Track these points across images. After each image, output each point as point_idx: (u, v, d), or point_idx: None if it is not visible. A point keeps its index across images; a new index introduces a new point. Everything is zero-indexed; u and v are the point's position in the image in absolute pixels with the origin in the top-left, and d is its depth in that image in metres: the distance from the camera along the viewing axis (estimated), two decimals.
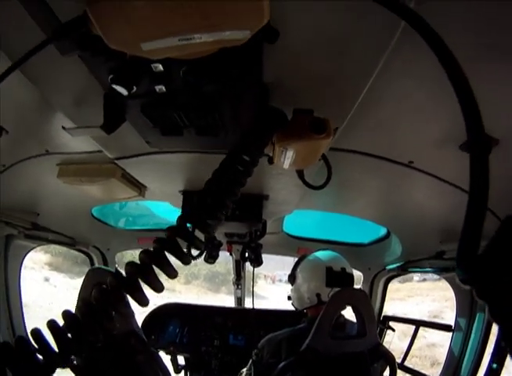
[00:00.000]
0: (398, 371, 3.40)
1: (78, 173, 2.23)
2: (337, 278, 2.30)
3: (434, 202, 2.36)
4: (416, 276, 26.58)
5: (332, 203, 2.81)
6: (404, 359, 3.48)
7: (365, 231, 3.64)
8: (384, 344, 3.61)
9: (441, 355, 10.48)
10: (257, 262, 2.68)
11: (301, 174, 1.50)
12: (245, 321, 3.97)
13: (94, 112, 1.17)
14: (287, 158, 1.20)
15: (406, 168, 1.92)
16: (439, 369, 3.25)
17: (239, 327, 4.03)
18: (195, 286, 29.01)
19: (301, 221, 3.66)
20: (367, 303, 2.16)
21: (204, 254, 2.70)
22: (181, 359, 4.01)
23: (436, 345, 11.36)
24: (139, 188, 2.41)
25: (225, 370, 3.83)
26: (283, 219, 3.21)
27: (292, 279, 2.50)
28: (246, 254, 2.76)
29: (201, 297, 23.23)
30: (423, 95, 1.37)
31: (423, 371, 3.37)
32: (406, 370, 3.42)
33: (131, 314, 2.42)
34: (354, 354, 2.08)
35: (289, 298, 2.58)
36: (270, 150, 1.22)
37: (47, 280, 18.22)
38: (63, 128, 1.30)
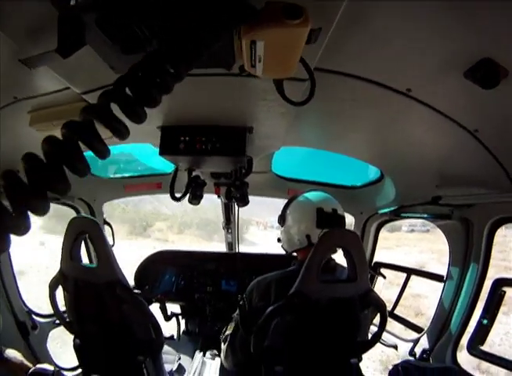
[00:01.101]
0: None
1: (50, 117, 2.10)
2: (328, 219, 2.22)
3: (432, 140, 2.26)
4: (405, 227, 27.19)
5: (323, 139, 2.72)
6: (394, 307, 3.50)
7: (357, 174, 3.56)
8: (375, 290, 3.71)
9: (425, 305, 10.85)
10: (242, 201, 2.60)
11: (279, 85, 1.34)
12: (236, 266, 3.99)
13: (51, 39, 1.07)
14: (258, 59, 1.04)
15: (403, 96, 1.80)
16: (423, 319, 3.31)
17: (230, 272, 4.05)
18: (188, 235, 29.55)
19: (291, 162, 3.58)
20: (359, 246, 2.06)
21: (188, 194, 2.62)
22: (174, 307, 4.07)
23: (421, 296, 11.68)
24: None
25: (218, 316, 3.88)
26: (272, 158, 3.10)
27: (282, 220, 2.42)
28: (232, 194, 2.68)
29: (194, 246, 23.42)
30: (424, 12, 1.24)
31: (406, 317, 3.43)
32: (396, 318, 3.45)
33: (115, 262, 2.41)
34: (344, 299, 2.02)
35: (279, 240, 2.51)
36: (240, 56, 1.08)
37: (42, 244, 18.26)
38: (20, 60, 1.22)
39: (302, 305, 1.94)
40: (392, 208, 3.29)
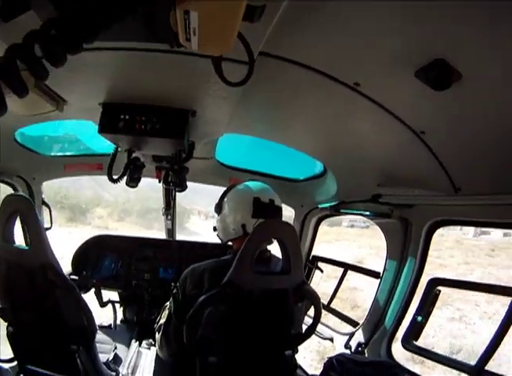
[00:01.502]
0: (323, 312, 3.53)
1: None
2: (265, 209, 2.18)
3: (377, 138, 2.26)
4: (345, 222, 28.09)
5: (267, 128, 2.67)
6: (330, 301, 3.54)
7: (303, 167, 3.53)
8: (312, 284, 3.64)
9: (361, 298, 11.21)
10: (180, 186, 2.55)
11: (217, 64, 1.29)
12: (174, 254, 3.95)
13: None
14: (193, 32, 0.99)
15: (351, 90, 1.76)
16: (359, 312, 3.36)
17: (168, 260, 3.99)
18: (128, 223, 29.01)
19: (236, 151, 3.53)
20: (294, 238, 2.03)
21: (126, 176, 2.53)
22: (113, 295, 3.99)
23: (357, 289, 12.04)
24: (57, 101, 2.13)
25: (155, 304, 3.77)
26: (216, 145, 3.03)
27: (218, 209, 2.36)
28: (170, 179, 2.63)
29: (134, 234, 23.14)
30: (376, 6, 1.21)
31: (344, 313, 3.48)
32: (332, 311, 3.49)
33: (48, 245, 2.26)
34: (277, 291, 2.00)
35: (214, 229, 2.44)
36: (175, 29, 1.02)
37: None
38: None
39: (235, 295, 1.89)
40: (333, 203, 3.30)
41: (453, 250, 20.32)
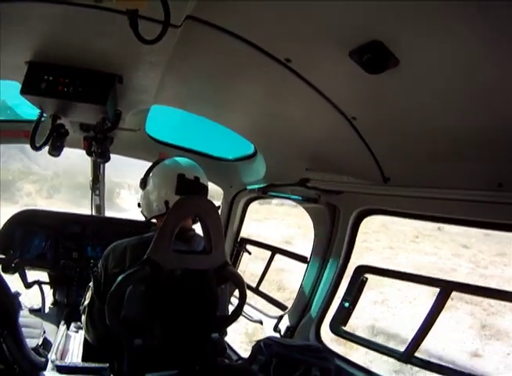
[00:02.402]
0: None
1: None
2: (189, 186, 2.12)
3: (308, 121, 2.23)
4: (276, 200, 28.57)
5: (198, 103, 2.60)
6: (259, 284, 3.56)
7: (234, 148, 3.48)
8: (240, 266, 3.74)
9: (288, 280, 11.39)
10: (103, 156, 2.42)
11: (133, 19, 1.23)
12: (102, 231, 3.75)
13: None
14: None
15: (282, 66, 1.71)
16: (285, 293, 3.38)
17: (97, 237, 3.79)
18: (57, 200, 27.77)
19: (167, 126, 3.44)
20: (215, 216, 1.99)
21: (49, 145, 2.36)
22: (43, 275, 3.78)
23: (284, 270, 12.27)
24: None
25: (84, 284, 3.56)
26: (146, 117, 2.90)
27: (143, 184, 2.27)
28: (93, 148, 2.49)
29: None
30: None
31: (270, 295, 3.52)
32: (260, 294, 3.51)
33: None
34: (199, 272, 1.97)
35: (139, 205, 2.35)
36: None
37: None
38: None
39: (154, 274, 1.84)
40: (261, 186, 3.27)
41: (379, 234, 21.09)
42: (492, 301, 11.04)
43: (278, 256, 3.51)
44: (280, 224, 21.99)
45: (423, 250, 17.78)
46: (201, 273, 1.97)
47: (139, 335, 1.90)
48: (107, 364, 1.96)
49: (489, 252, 17.67)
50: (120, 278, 1.80)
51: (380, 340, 7.36)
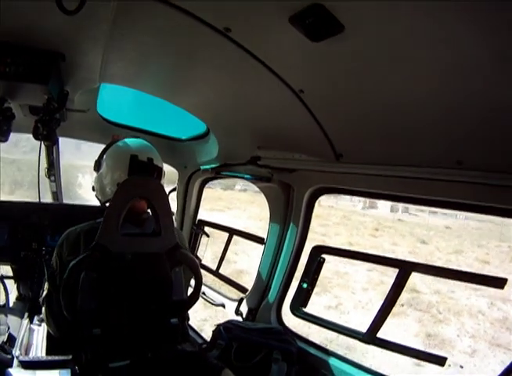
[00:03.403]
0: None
1: None
2: (142, 168, 2.07)
3: (256, 96, 2.20)
4: (238, 185, 28.56)
5: (145, 80, 2.54)
6: (218, 266, 3.57)
7: (188, 127, 3.43)
8: (200, 249, 3.75)
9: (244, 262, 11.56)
10: (49, 139, 2.32)
11: None
12: (60, 219, 3.60)
13: None
14: None
15: (222, 36, 1.65)
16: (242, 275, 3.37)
17: (55, 226, 3.65)
18: (20, 196, 27.04)
19: (120, 106, 3.34)
20: (163, 197, 1.98)
21: None
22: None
23: (244, 252, 12.41)
24: None
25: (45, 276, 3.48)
26: (96, 97, 2.80)
27: (97, 167, 2.21)
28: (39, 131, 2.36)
29: None
30: None
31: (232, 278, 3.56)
32: (220, 277, 3.55)
33: None
34: (151, 255, 1.95)
35: (93, 188, 2.28)
36: None
37: None
38: None
39: (104, 259, 1.81)
40: (215, 165, 3.25)
41: (339, 226, 21.34)
42: (441, 308, 11.41)
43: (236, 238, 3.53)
44: (242, 215, 21.95)
45: (381, 246, 17.89)
46: (153, 257, 1.94)
47: (97, 324, 1.85)
48: (70, 356, 1.95)
49: (447, 249, 18.04)
50: (70, 265, 1.76)
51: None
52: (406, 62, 1.47)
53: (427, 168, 1.88)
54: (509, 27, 1.10)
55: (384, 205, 34.81)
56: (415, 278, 13.51)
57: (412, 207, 36.34)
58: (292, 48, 1.61)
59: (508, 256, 17.84)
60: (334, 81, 1.75)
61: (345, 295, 11.52)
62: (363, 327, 2.38)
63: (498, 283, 2.00)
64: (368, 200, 35.62)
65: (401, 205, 34.33)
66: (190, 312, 2.21)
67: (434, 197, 2.10)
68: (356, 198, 37.53)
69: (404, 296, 11.40)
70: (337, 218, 24.32)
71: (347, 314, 9.68)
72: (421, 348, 8.18)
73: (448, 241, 20.55)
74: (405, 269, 2.24)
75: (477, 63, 1.32)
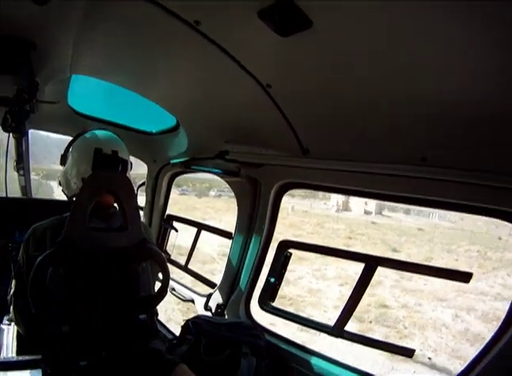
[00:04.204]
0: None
1: None
2: (106, 162, 2.03)
3: (224, 90, 2.20)
4: (213, 191, 28.24)
5: (116, 72, 2.51)
6: (187, 261, 3.58)
7: (159, 121, 3.39)
8: (169, 244, 3.75)
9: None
10: (17, 131, 2.34)
11: None
12: (29, 214, 3.36)
13: None
14: None
15: (191, 30, 1.65)
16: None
17: (24, 221, 3.51)
18: None
19: (93, 99, 3.30)
20: (129, 191, 1.94)
21: None
22: None
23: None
24: None
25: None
26: (67, 89, 2.77)
27: (63, 161, 2.18)
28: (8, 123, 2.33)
29: None
30: None
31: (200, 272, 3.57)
32: (189, 272, 3.56)
33: None
34: (117, 250, 1.92)
35: (60, 183, 2.24)
36: None
37: None
38: None
39: (71, 254, 1.79)
40: (184, 159, 3.25)
41: (313, 236, 21.27)
42: (407, 322, 11.59)
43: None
44: (220, 226, 21.86)
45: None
46: (120, 252, 1.92)
47: (66, 321, 1.82)
48: (40, 356, 1.89)
49: (418, 256, 18.11)
50: (37, 261, 1.73)
51: None
52: (374, 58, 1.49)
53: (392, 164, 1.91)
54: (462, 17, 1.14)
55: (357, 207, 35.29)
56: (385, 292, 13.73)
57: (385, 208, 36.88)
58: (260, 43, 1.62)
59: (476, 262, 18.23)
60: (302, 76, 1.77)
61: (317, 314, 11.44)
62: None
63: (463, 277, 2.05)
64: (341, 202, 36.13)
65: (374, 207, 34.84)
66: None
67: (400, 193, 2.14)
68: (330, 203, 37.92)
69: (373, 313, 11.70)
70: (310, 226, 24.32)
71: (318, 335, 9.70)
72: (386, 364, 8.37)
73: (420, 247, 20.77)
74: (370, 263, 2.28)
75: (440, 60, 1.36)
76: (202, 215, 22.26)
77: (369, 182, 2.18)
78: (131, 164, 2.20)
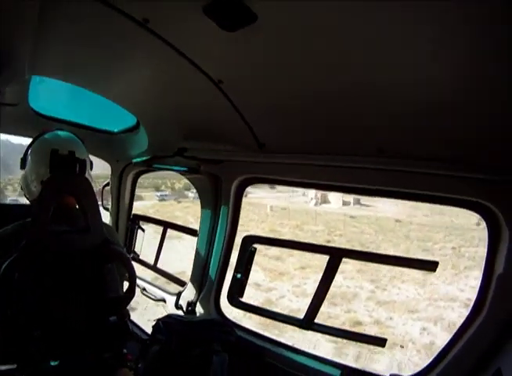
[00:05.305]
0: None
1: None
2: (62, 162, 2.00)
3: (178, 87, 2.20)
4: (191, 193, 27.90)
5: (75, 72, 2.47)
6: (156, 261, 3.61)
7: (121, 120, 3.37)
8: (137, 244, 3.73)
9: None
10: None
11: None
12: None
13: None
14: None
15: (141, 28, 1.64)
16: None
17: None
18: None
19: (54, 100, 3.25)
20: (89, 193, 1.92)
21: None
22: None
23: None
24: None
25: None
26: (27, 90, 2.74)
27: (23, 164, 2.14)
28: None
29: None
30: None
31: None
32: (158, 271, 3.58)
33: None
34: (81, 251, 1.90)
35: (21, 187, 2.21)
36: None
37: None
38: None
39: (35, 258, 1.77)
40: (145, 158, 3.24)
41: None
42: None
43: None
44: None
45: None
46: (83, 254, 1.90)
47: (38, 326, 1.79)
48: (15, 365, 1.83)
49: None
50: (2, 267, 1.70)
51: None
52: (323, 51, 1.51)
53: (348, 156, 1.96)
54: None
55: (336, 198, 35.38)
56: (360, 307, 13.80)
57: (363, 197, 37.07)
58: (208, 39, 1.62)
59: (450, 261, 18.43)
60: (252, 70, 1.78)
61: (299, 336, 11.46)
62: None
63: (430, 266, 2.14)
64: (319, 195, 36.26)
65: (352, 197, 34.99)
66: None
67: (358, 185, 2.18)
68: (309, 195, 38.06)
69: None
70: (290, 228, 24.29)
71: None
72: None
73: (397, 246, 20.90)
74: (335, 255, 2.32)
75: (399, 52, 1.38)
76: (184, 224, 22.00)
77: (326, 174, 2.22)
78: (92, 163, 2.17)
